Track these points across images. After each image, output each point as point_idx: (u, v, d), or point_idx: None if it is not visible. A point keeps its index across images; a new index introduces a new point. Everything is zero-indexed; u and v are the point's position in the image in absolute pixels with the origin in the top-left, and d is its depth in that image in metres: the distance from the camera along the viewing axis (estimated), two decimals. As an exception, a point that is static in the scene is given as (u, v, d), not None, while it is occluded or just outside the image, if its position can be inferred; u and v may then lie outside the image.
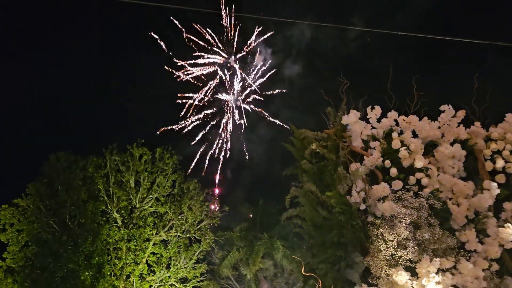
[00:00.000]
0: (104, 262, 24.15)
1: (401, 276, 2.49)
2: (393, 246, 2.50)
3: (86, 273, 22.27)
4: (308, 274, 2.63)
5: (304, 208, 3.22)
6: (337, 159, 3.21)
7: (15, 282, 23.89)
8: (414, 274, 2.46)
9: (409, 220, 2.64)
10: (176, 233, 26.55)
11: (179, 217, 26.61)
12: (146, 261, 26.00)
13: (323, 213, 2.95)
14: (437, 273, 2.44)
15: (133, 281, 25.37)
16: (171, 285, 26.39)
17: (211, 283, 28.46)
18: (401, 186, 2.82)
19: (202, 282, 27.98)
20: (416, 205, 2.75)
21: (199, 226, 27.14)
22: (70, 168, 25.46)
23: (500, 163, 2.94)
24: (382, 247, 2.51)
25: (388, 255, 2.52)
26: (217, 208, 26.92)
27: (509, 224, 2.62)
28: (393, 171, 2.87)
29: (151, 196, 26.62)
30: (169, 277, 26.37)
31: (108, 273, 24.36)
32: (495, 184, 2.81)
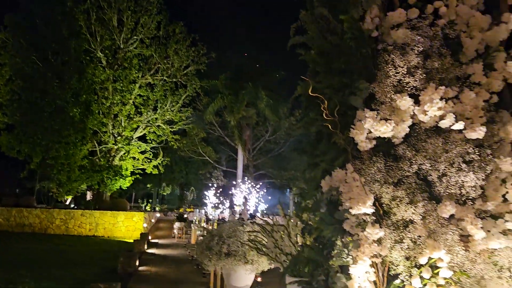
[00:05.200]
0: (92, 100, 24.41)
1: (405, 101, 2.57)
2: (402, 72, 2.52)
3: (75, 109, 22.66)
4: (315, 95, 2.70)
5: (312, 35, 3.09)
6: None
7: (5, 115, 24.39)
8: (417, 101, 2.55)
9: (421, 48, 2.61)
10: (162, 77, 26.37)
11: (165, 61, 26.17)
12: (133, 102, 26.46)
13: (333, 39, 2.85)
14: (440, 100, 2.54)
15: (121, 120, 26.10)
16: (158, 126, 27.52)
17: (196, 126, 29.80)
18: (417, 15, 2.70)
19: (188, 125, 29.21)
20: (431, 34, 2.67)
21: (185, 71, 27.02)
22: (48, 0, 23.78)
23: (523, -4, 2.82)
24: (392, 72, 2.52)
25: (396, 81, 2.55)
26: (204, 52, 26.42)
27: None
28: None
29: (135, 37, 25.45)
30: (156, 119, 27.22)
31: (96, 111, 24.90)
32: (514, 17, 2.73)
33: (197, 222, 19.65)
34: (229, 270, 5.90)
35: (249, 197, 28.44)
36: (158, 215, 28.89)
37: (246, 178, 30.70)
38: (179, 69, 25.77)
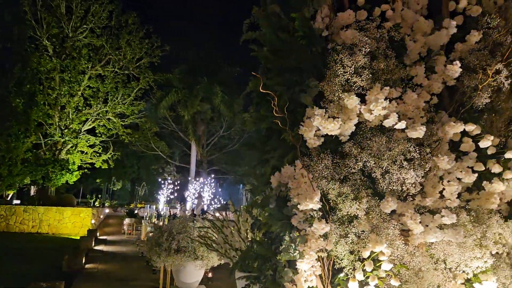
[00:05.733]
0: (37, 90, 23.10)
1: (352, 100, 2.65)
2: (350, 72, 2.59)
3: (17, 100, 21.39)
4: (266, 91, 2.70)
5: (264, 31, 3.11)
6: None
7: None
8: (363, 101, 2.64)
9: (368, 49, 2.70)
10: (113, 69, 25.47)
11: (117, 52, 25.27)
12: (82, 94, 25.34)
13: (285, 36, 2.88)
14: (384, 100, 2.65)
15: (68, 112, 24.92)
16: (108, 119, 26.56)
17: (149, 120, 29.09)
18: (365, 17, 2.80)
19: (140, 119, 28.44)
20: (377, 36, 2.77)
21: (138, 64, 26.24)
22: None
23: (463, 3, 2.96)
24: (340, 71, 2.58)
25: (344, 80, 2.62)
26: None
27: (457, 62, 2.80)
28: (360, 0, 2.80)
29: (85, 26, 24.30)
30: (107, 111, 26.28)
31: (42, 102, 23.61)
32: (454, 23, 2.87)
33: (148, 218, 19.25)
34: (179, 266, 5.85)
35: (203, 192, 28.26)
36: (107, 211, 27.99)
37: (199, 173, 30.47)
38: (131, 61, 24.99)
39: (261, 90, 3.01)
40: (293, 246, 2.96)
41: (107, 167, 27.22)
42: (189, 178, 30.22)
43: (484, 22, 3.39)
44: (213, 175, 31.85)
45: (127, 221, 21.23)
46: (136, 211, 24.60)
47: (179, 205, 29.33)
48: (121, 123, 25.99)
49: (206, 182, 28.92)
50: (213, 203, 28.28)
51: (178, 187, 32.18)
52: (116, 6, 24.24)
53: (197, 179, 29.33)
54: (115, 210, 31.69)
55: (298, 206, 3.00)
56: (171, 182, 31.46)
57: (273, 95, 3.01)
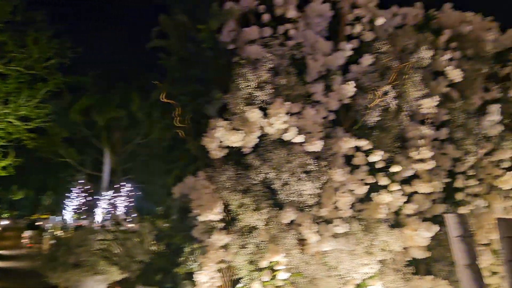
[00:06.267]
0: None
1: (254, 114, 2.72)
2: (253, 86, 2.66)
3: None
4: (167, 101, 2.64)
5: (172, 41, 3.07)
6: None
7: None
8: (265, 115, 2.73)
9: (271, 65, 2.80)
10: (17, 67, 23.50)
11: (22, 50, 23.32)
12: (-21, 93, 22.93)
13: (192, 46, 2.88)
14: (285, 114, 2.77)
15: (-39, 113, 22.44)
16: (10, 122, 24.27)
17: (57, 125, 27.11)
18: (269, 34, 2.91)
19: (47, 123, 26.40)
20: (280, 53, 2.89)
21: (46, 64, 24.41)
22: None
23: (357, 29, 3.22)
24: (243, 85, 2.64)
25: (247, 93, 2.69)
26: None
27: (351, 82, 3.05)
28: (266, 17, 2.91)
29: (-15, 19, 22.33)
30: (7, 113, 24.05)
31: None
32: (350, 46, 3.11)
33: (51, 230, 17.84)
34: (77, 282, 5.45)
35: (116, 203, 26.92)
36: (6, 222, 25.44)
37: (114, 182, 29.01)
38: (38, 60, 23.18)
39: (163, 100, 2.97)
40: (192, 258, 2.94)
41: (6, 175, 24.77)
42: (102, 187, 28.63)
43: (376, 47, 3.70)
44: (129, 185, 30.52)
45: (27, 233, 19.45)
46: (39, 223, 22.67)
47: (90, 215, 27.62)
48: (25, 127, 23.90)
49: (121, 192, 27.64)
50: (127, 214, 27.06)
51: (90, 197, 30.30)
52: (21, 1, 22.42)
53: (111, 188, 27.91)
54: (15, 221, 28.92)
55: (199, 217, 2.99)
56: (81, 191, 29.54)
57: (175, 105, 2.99)
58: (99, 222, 23.42)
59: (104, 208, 26.09)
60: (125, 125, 31.01)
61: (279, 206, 3.23)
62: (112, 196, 26.88)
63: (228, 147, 3.19)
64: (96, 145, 31.02)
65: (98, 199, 27.13)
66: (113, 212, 26.38)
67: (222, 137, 3.05)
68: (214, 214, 2.94)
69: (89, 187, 34.35)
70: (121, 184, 30.54)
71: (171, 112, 3.24)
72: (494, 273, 4.26)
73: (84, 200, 28.71)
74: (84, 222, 23.35)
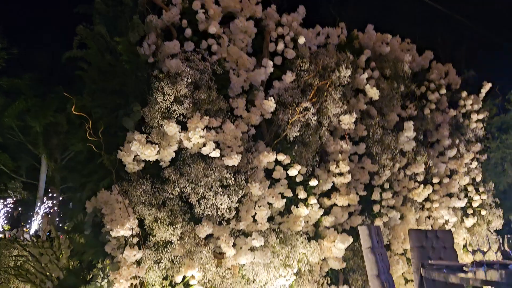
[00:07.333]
0: None
1: (172, 127, 2.69)
2: (170, 100, 2.63)
3: None
4: (79, 113, 2.54)
5: (91, 51, 2.97)
6: (134, 6, 3.00)
7: None
8: (184, 128, 2.71)
9: (191, 80, 2.79)
10: None
11: (-51, 49, 21.72)
12: None
13: (111, 58, 2.80)
14: (204, 129, 2.76)
15: None
16: None
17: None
18: (192, 48, 2.90)
19: (-23, 127, 24.66)
20: (201, 68, 2.89)
21: (-23, 65, 22.89)
22: None
23: (280, 46, 3.32)
24: (160, 99, 2.61)
25: (164, 107, 2.65)
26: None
27: (271, 98, 3.11)
28: (188, 32, 2.91)
29: None
30: None
31: None
32: (271, 63, 3.19)
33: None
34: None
35: (52, 213, 25.52)
36: None
37: (49, 191, 27.50)
38: (-32, 60, 21.70)
39: (75, 112, 2.89)
40: (101, 275, 2.86)
41: None
42: (38, 196, 27.06)
43: (298, 64, 3.84)
44: (67, 193, 29.06)
45: None
46: (-37, 235, 20.96)
47: (22, 226, 25.96)
48: (-50, 131, 22.18)
49: (59, 200, 26.26)
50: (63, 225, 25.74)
51: (24, 206, 28.50)
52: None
53: (47, 197, 26.45)
54: None
55: (111, 232, 2.92)
56: (14, 200, 27.74)
57: (87, 117, 2.91)
58: (18, 233, 22.04)
59: (37, 219, 24.68)
60: (64, 130, 29.61)
61: (196, 220, 3.23)
62: (47, 206, 25.51)
63: (145, 161, 3.16)
64: (33, 151, 29.33)
65: (33, 209, 25.62)
66: (47, 221, 25.00)
67: (137, 150, 3.01)
68: (124, 230, 2.88)
69: (21, 196, 32.30)
70: (54, 194, 29.04)
71: (87, 124, 3.15)
72: (408, 281, 4.52)
73: (16, 210, 26.99)
74: (13, 233, 21.89)
